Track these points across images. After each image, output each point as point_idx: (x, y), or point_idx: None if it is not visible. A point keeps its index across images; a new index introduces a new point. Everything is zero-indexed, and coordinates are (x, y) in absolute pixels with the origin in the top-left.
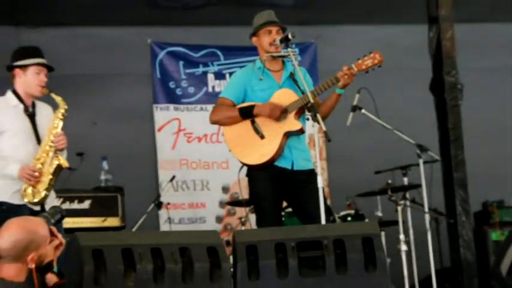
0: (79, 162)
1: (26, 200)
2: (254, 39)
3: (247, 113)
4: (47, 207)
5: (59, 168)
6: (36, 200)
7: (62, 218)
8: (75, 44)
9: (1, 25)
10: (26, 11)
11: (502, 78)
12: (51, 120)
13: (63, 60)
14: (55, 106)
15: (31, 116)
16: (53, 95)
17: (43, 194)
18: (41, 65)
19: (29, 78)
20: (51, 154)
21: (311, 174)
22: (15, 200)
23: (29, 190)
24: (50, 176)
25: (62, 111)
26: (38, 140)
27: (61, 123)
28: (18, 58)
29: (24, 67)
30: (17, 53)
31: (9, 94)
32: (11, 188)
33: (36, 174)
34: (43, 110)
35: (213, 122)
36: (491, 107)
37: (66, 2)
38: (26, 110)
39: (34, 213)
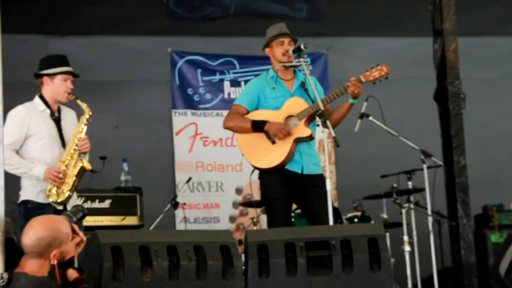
0: (102, 165)
1: (50, 200)
2: (267, 50)
3: (258, 128)
4: (69, 206)
5: (83, 170)
6: (60, 200)
7: (84, 216)
8: (100, 52)
9: (31, 34)
10: (54, 21)
11: (502, 88)
12: (76, 125)
13: (88, 67)
14: (79, 110)
15: (57, 120)
16: (79, 102)
17: (67, 194)
18: (67, 73)
19: (57, 86)
20: (75, 157)
21: (320, 178)
22: (40, 199)
23: (54, 190)
24: (74, 178)
25: (87, 117)
26: (63, 143)
27: (85, 128)
28: (46, 66)
29: (52, 75)
30: (45, 61)
31: (37, 99)
32: (36, 188)
33: (61, 175)
34: (67, 115)
35: (226, 128)
36: (492, 115)
37: (92, 13)
38: (52, 114)
39: (57, 212)
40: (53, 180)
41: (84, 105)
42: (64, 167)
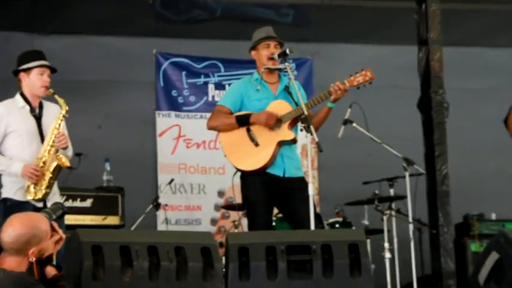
0: (78, 162)
1: (28, 197)
2: (253, 52)
3: (243, 121)
4: (50, 204)
5: (58, 167)
6: (38, 197)
7: (64, 214)
8: (85, 52)
9: (16, 31)
10: (40, 19)
11: (485, 99)
12: (53, 120)
13: (73, 66)
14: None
15: (37, 117)
16: (57, 97)
17: (44, 191)
18: (43, 66)
19: (33, 80)
20: (52, 153)
21: (301, 181)
22: (19, 197)
23: (32, 188)
24: (50, 175)
25: (63, 112)
26: (43, 140)
27: (63, 124)
28: (21, 63)
29: (28, 70)
30: (21, 57)
31: (17, 96)
32: (15, 185)
33: (38, 172)
34: (51, 111)
35: (210, 128)
36: (475, 125)
37: (78, 12)
38: (32, 111)
39: (37, 210)
40: (30, 177)
41: (61, 101)
42: (41, 164)
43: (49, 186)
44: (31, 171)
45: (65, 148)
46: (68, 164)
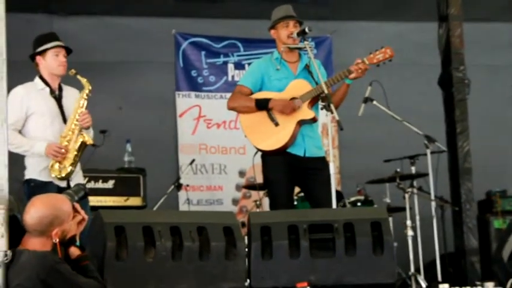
0: (102, 139)
1: (53, 175)
2: (272, 31)
3: (262, 105)
4: (73, 184)
5: (84, 144)
6: (62, 175)
7: (86, 195)
8: (104, 32)
9: (35, 13)
10: (59, 1)
11: (506, 75)
12: (76, 100)
13: (92, 47)
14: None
15: (57, 98)
16: (79, 77)
17: (69, 169)
18: (57, 47)
19: (49, 62)
20: (76, 132)
21: (322, 161)
22: (43, 177)
23: (56, 166)
24: (75, 152)
25: (87, 91)
26: (64, 120)
27: (86, 103)
28: (37, 46)
29: (43, 52)
30: (35, 42)
31: (37, 79)
32: (39, 166)
33: (63, 150)
34: (70, 94)
35: (230, 108)
36: (496, 101)
37: None
38: (51, 92)
39: (60, 190)
40: (55, 155)
41: (83, 80)
42: (66, 142)
43: (73, 164)
44: (55, 149)
45: (88, 127)
46: (92, 141)
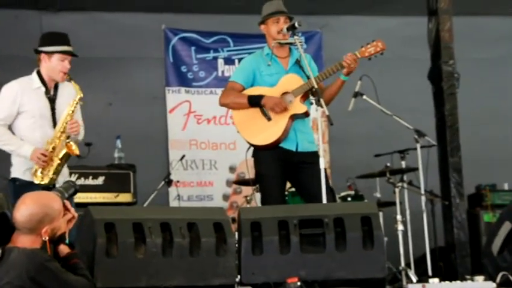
0: (87, 152)
1: (35, 182)
2: (262, 26)
3: (255, 102)
4: (58, 183)
5: (67, 154)
6: (44, 183)
7: (76, 192)
8: (94, 28)
9: (24, 9)
10: None
11: (496, 68)
12: (67, 106)
13: (81, 43)
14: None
15: (51, 99)
16: (73, 83)
17: (51, 177)
18: (66, 52)
19: (53, 65)
20: (63, 139)
21: (314, 155)
22: (27, 177)
23: (39, 172)
24: (58, 161)
25: (77, 99)
26: (54, 123)
27: (77, 110)
28: (45, 43)
29: (50, 53)
30: (45, 38)
31: (34, 75)
32: (23, 166)
33: (46, 158)
34: (66, 91)
35: (222, 105)
36: (485, 95)
37: None
38: (47, 92)
39: (47, 188)
40: (37, 162)
41: (76, 87)
42: (51, 149)
43: (56, 172)
44: (39, 156)
45: (76, 135)
46: (77, 152)
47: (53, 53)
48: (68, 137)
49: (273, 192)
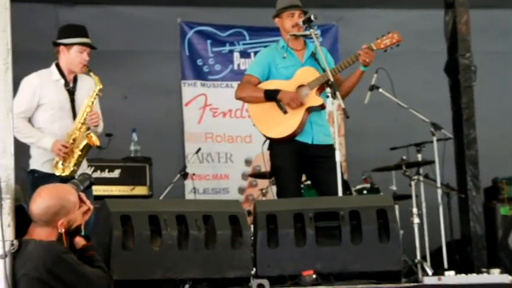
0: (107, 142)
1: (56, 173)
2: (277, 20)
3: (271, 97)
4: (76, 175)
5: (88, 146)
6: (65, 174)
7: (91, 184)
8: (109, 22)
9: (40, 3)
10: None
11: None
12: (87, 98)
13: (97, 37)
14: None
15: (70, 91)
16: (92, 75)
17: (72, 168)
18: (84, 44)
19: (72, 56)
20: (83, 131)
21: (330, 149)
22: (46, 169)
23: (59, 164)
24: (79, 152)
25: (97, 90)
26: (74, 115)
27: (96, 102)
28: (64, 36)
29: (68, 45)
30: (63, 30)
31: (53, 68)
32: (42, 158)
33: (67, 149)
34: (85, 84)
35: (238, 98)
36: (502, 88)
37: None
38: (66, 85)
39: (64, 181)
40: (58, 153)
41: (96, 79)
42: (71, 141)
43: (77, 164)
44: (59, 147)
45: (96, 126)
46: (97, 143)
47: (71, 45)
48: (88, 128)
49: (289, 185)
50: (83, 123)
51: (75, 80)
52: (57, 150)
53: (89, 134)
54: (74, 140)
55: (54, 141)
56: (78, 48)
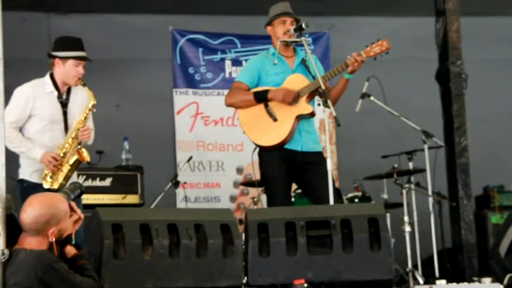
0: (98, 159)
1: (45, 186)
2: (269, 28)
3: (261, 97)
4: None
5: (78, 161)
6: (53, 188)
7: (81, 193)
8: (101, 30)
9: (32, 11)
10: None
11: (504, 69)
12: (80, 113)
13: (89, 45)
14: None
15: (63, 103)
16: (86, 89)
17: (60, 182)
18: (80, 58)
19: (67, 70)
20: (74, 145)
21: (319, 156)
22: (34, 179)
23: (48, 177)
24: (69, 167)
25: (90, 106)
26: (66, 128)
27: (89, 117)
28: (59, 48)
29: (64, 58)
30: (59, 42)
31: (47, 78)
32: (31, 167)
33: (56, 162)
34: (78, 95)
35: (228, 105)
36: (493, 96)
37: None
38: (59, 97)
39: (53, 190)
40: (47, 165)
41: (90, 93)
42: (62, 154)
43: (66, 178)
44: (49, 159)
45: (86, 141)
46: (88, 159)
47: (67, 58)
48: (79, 143)
49: (279, 193)
50: (74, 138)
51: (68, 91)
52: (46, 162)
53: (80, 149)
54: (65, 154)
55: (44, 153)
56: (74, 62)
